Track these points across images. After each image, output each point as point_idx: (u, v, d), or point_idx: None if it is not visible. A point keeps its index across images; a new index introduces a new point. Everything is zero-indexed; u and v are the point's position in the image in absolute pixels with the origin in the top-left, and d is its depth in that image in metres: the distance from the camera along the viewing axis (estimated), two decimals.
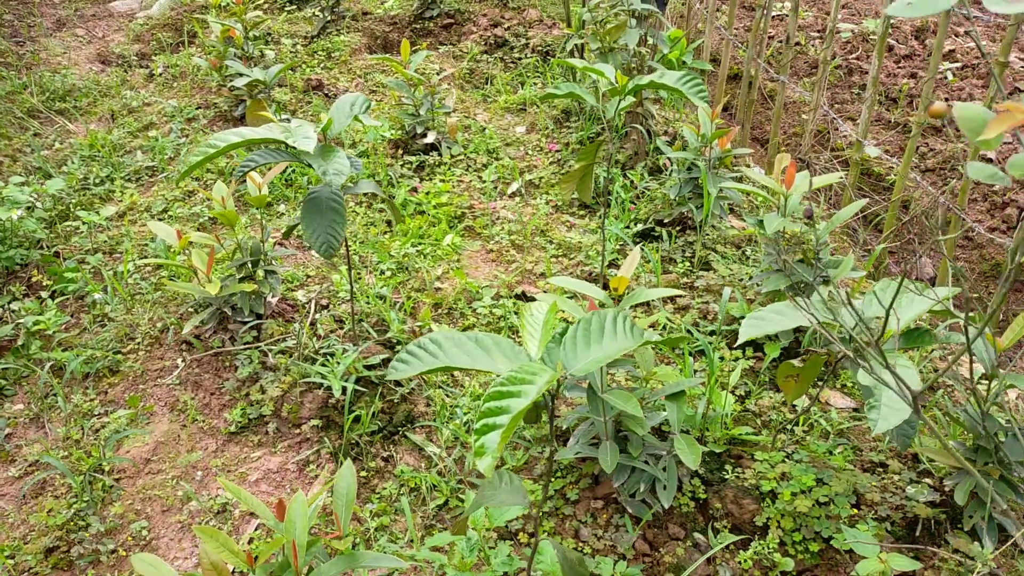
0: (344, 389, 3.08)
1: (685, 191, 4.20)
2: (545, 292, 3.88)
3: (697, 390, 3.09)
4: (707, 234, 4.30)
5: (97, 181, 4.80)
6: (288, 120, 2.66)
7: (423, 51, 5.00)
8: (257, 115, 4.73)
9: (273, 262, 3.52)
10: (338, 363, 3.16)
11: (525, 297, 3.87)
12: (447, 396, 3.27)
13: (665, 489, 2.61)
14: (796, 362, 2.61)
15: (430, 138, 4.93)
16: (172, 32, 6.86)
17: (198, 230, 4.34)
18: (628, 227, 4.36)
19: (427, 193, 4.60)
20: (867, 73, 6.28)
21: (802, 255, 3.47)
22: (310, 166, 2.63)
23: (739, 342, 2.26)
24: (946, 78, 6.52)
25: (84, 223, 4.25)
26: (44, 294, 4.04)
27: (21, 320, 3.73)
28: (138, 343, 3.63)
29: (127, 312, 3.80)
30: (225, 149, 2.53)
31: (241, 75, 4.68)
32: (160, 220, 4.47)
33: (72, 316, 3.89)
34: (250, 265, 3.43)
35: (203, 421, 3.23)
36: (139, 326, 3.70)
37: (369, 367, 3.22)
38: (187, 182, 4.70)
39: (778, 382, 2.67)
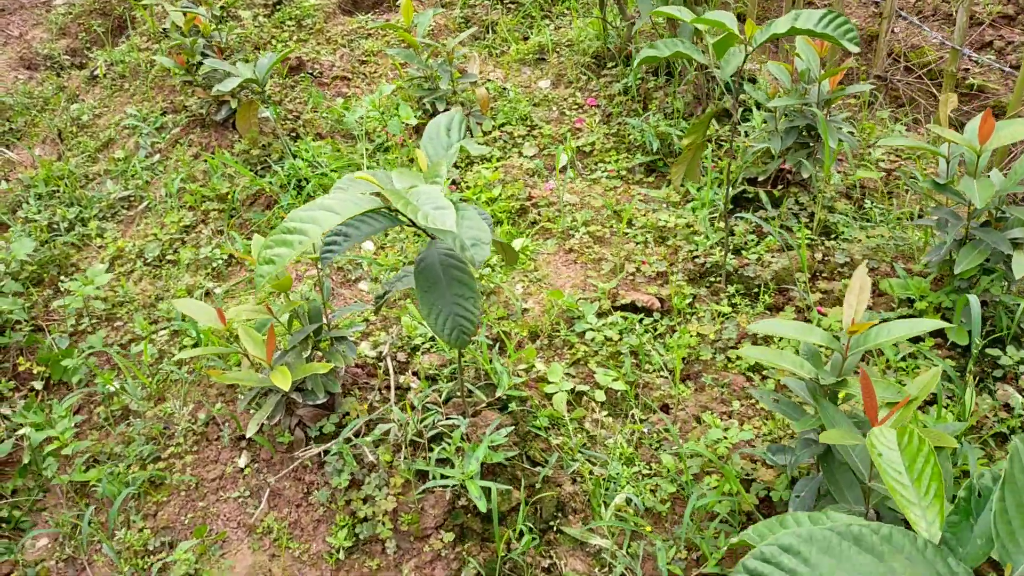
0: (485, 491, 2.40)
1: (788, 142, 3.50)
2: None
3: None
4: (820, 190, 3.63)
5: (66, 225, 3.95)
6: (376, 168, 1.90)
7: (430, 11, 4.16)
8: (251, 121, 3.88)
9: (340, 325, 2.78)
10: (457, 448, 2.48)
11: (635, 308, 3.19)
12: (593, 464, 2.61)
13: None
14: None
15: None
16: (103, 19, 5.83)
17: (212, 277, 3.54)
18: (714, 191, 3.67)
19: (471, 187, 3.84)
20: None
21: (988, 216, 2.83)
22: (425, 232, 1.89)
23: None
24: None
25: (71, 292, 3.42)
26: (38, 385, 3.27)
27: (21, 431, 2.97)
28: (180, 444, 2.89)
29: (154, 404, 3.05)
30: (318, 236, 1.78)
31: (229, 75, 3.81)
32: (158, 267, 3.66)
33: (81, 410, 3.13)
34: (312, 334, 2.69)
35: (297, 547, 2.54)
36: (176, 421, 2.96)
37: (495, 446, 2.54)
38: (176, 211, 3.87)
39: None
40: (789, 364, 2.01)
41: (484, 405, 2.74)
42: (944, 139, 2.84)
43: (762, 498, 2.39)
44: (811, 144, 3.56)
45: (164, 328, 3.34)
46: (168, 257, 3.68)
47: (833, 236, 3.43)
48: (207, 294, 3.44)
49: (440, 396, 2.78)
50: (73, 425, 2.99)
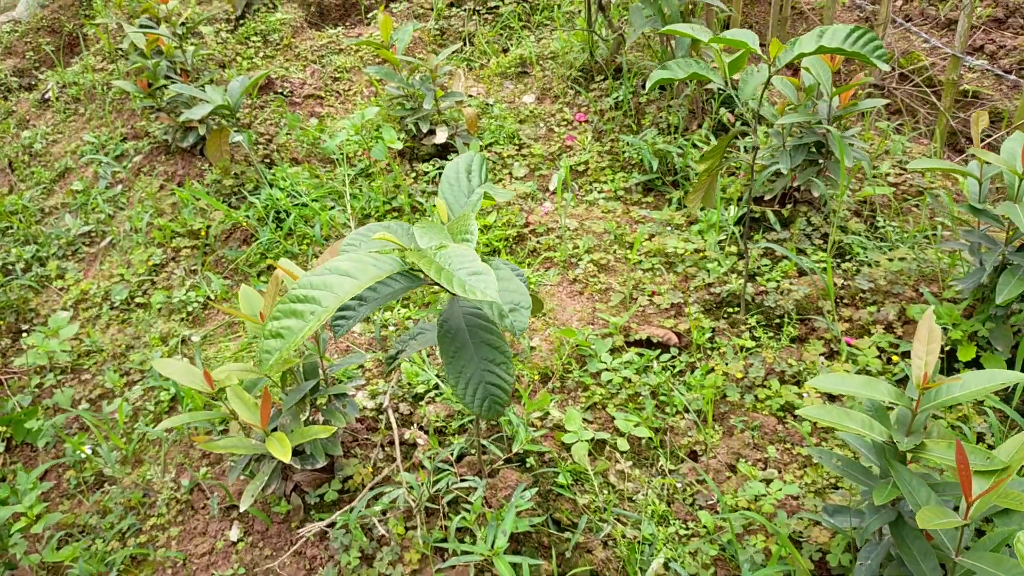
0: (514, 566, 2.17)
1: (797, 160, 3.33)
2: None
3: None
4: (832, 210, 3.46)
5: (22, 266, 3.63)
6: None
7: (409, 26, 3.92)
8: (222, 148, 3.59)
9: (338, 379, 2.53)
10: (478, 515, 2.24)
11: (651, 344, 2.98)
12: (624, 523, 2.40)
13: None
14: None
15: (441, 136, 3.90)
16: (52, 37, 5.47)
17: (188, 323, 3.26)
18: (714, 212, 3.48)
19: None
20: None
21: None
22: (457, 297, 1.66)
23: None
24: None
25: (33, 347, 3.11)
26: None
27: None
28: (162, 514, 2.62)
29: (131, 468, 2.77)
30: (334, 306, 1.54)
31: (197, 101, 3.52)
32: (127, 311, 3.36)
33: (48, 474, 2.83)
34: (309, 392, 2.44)
35: None
36: (156, 488, 2.68)
37: (519, 511, 2.32)
38: (143, 248, 3.57)
39: None
40: (858, 426, 1.82)
41: (501, 462, 2.51)
42: (979, 160, 2.68)
43: (816, 560, 2.19)
44: (820, 161, 3.40)
45: (138, 381, 3.06)
46: (137, 300, 3.39)
47: (848, 258, 3.27)
48: (183, 342, 3.16)
49: (452, 454, 2.54)
50: (40, 494, 2.70)
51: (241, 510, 2.33)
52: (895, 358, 2.78)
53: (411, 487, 2.42)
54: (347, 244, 1.81)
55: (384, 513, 2.39)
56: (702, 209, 3.56)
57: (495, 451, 2.53)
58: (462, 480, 2.44)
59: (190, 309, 3.25)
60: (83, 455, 2.79)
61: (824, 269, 3.19)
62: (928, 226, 3.44)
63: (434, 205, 3.56)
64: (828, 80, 3.20)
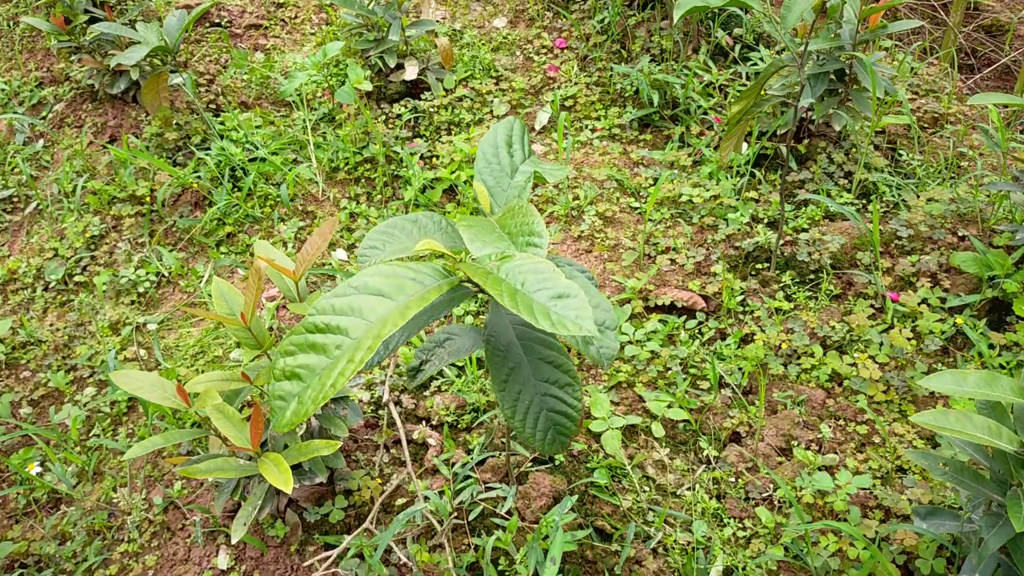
0: None
1: (818, 90, 2.98)
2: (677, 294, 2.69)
3: None
4: (856, 145, 3.15)
5: None
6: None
7: None
8: (161, 95, 3.08)
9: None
10: (516, 530, 1.94)
11: (676, 309, 2.67)
12: (671, 524, 2.12)
13: None
14: None
15: (411, 72, 3.44)
16: None
17: (140, 306, 2.82)
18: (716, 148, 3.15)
19: (449, 162, 3.19)
20: None
21: None
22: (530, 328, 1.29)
23: None
24: None
25: None
26: None
27: None
28: (133, 539, 2.25)
29: (91, 484, 2.38)
30: (367, 340, 1.17)
31: (129, 43, 2.98)
32: (65, 292, 2.90)
33: None
34: None
35: None
36: (123, 508, 2.30)
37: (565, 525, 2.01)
38: (77, 217, 3.08)
39: None
40: (982, 432, 1.54)
41: (529, 463, 2.19)
42: None
43: (900, 565, 1.95)
44: (841, 91, 3.07)
45: (88, 378, 2.64)
46: (77, 278, 2.93)
47: (872, 198, 2.98)
48: (137, 329, 2.73)
49: (471, 457, 2.22)
50: None
51: (233, 542, 1.97)
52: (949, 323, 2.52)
53: (426, 497, 2.09)
54: (367, 248, 1.42)
55: (405, 544, 2.07)
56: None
57: (521, 451, 2.21)
58: (487, 488, 2.12)
59: (141, 290, 2.81)
60: (35, 471, 2.38)
61: (860, 213, 2.90)
62: (954, 159, 3.17)
63: (412, 154, 3.14)
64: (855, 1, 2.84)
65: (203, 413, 2.27)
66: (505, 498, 2.07)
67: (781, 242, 2.78)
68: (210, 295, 2.77)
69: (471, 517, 2.07)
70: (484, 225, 1.33)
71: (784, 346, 2.46)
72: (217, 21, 4.03)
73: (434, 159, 3.25)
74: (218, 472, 1.95)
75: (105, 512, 2.31)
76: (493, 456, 2.21)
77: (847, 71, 3.00)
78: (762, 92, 2.43)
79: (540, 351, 1.47)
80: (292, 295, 2.00)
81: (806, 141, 3.20)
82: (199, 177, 3.02)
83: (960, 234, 2.78)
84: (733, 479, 2.22)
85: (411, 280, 1.27)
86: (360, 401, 2.43)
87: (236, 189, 3.07)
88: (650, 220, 2.98)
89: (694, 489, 2.20)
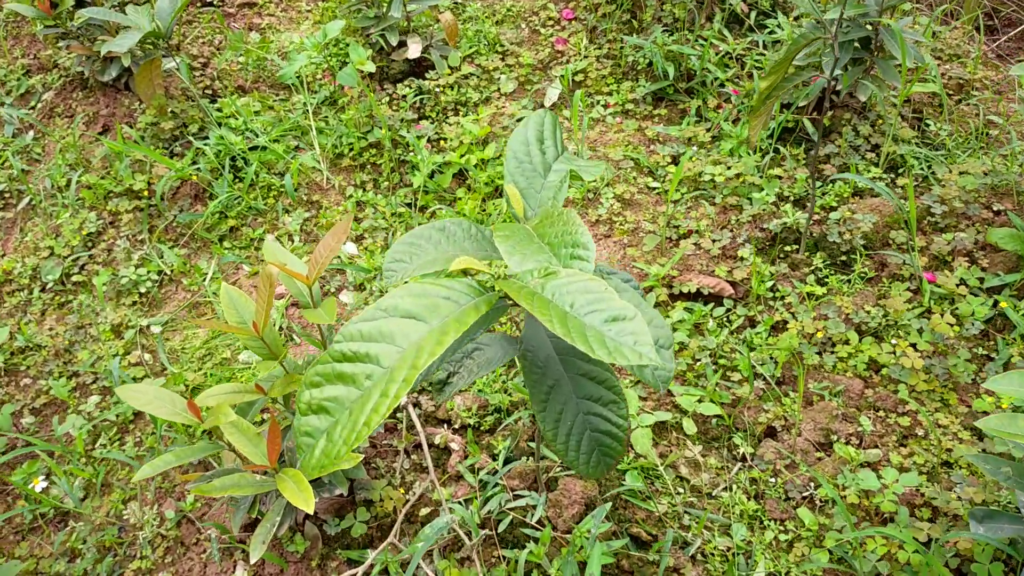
0: None
1: (843, 60, 2.84)
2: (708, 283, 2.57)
3: None
4: (877, 114, 3.02)
5: None
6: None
7: None
8: (155, 82, 2.94)
9: None
10: (549, 541, 1.84)
11: (702, 296, 2.56)
12: (710, 529, 2.03)
13: None
14: None
15: (415, 50, 3.29)
16: None
17: (143, 306, 2.70)
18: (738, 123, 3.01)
19: (457, 145, 3.05)
20: None
21: None
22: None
23: None
24: None
25: None
26: None
27: None
28: (145, 555, 2.16)
29: (100, 497, 2.28)
30: (401, 371, 1.06)
31: (120, 27, 2.84)
32: (63, 293, 2.79)
33: None
34: None
35: None
36: (134, 523, 2.21)
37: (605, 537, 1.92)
38: (72, 213, 2.95)
39: None
40: None
41: (558, 468, 2.09)
42: None
43: (953, 568, 1.86)
44: (866, 60, 2.93)
45: (91, 384, 2.53)
46: (75, 277, 2.81)
47: (901, 171, 2.85)
48: (140, 332, 2.61)
49: (496, 460, 2.11)
50: None
51: (252, 562, 1.87)
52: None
53: (451, 509, 2.00)
54: (393, 262, 1.30)
55: (434, 558, 1.97)
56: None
57: (550, 456, 2.11)
58: (515, 496, 2.02)
59: (142, 290, 2.69)
60: (40, 487, 2.28)
61: (889, 187, 2.78)
62: (984, 128, 3.04)
63: (419, 137, 3.01)
64: None
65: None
66: (535, 506, 1.97)
67: (811, 221, 2.66)
68: (215, 294, 2.65)
69: (500, 528, 1.98)
70: (521, 234, 1.22)
71: (819, 335, 2.35)
72: (209, 0, 3.86)
73: (442, 142, 3.11)
74: (234, 489, 1.85)
75: (115, 527, 2.22)
76: (517, 459, 2.11)
77: (872, 39, 2.86)
78: (791, 67, 2.30)
79: (580, 366, 1.36)
80: (305, 300, 1.88)
81: (830, 113, 3.07)
82: (198, 169, 2.89)
83: (995, 208, 2.66)
84: (771, 478, 2.12)
85: (445, 299, 1.16)
86: None
87: (237, 180, 2.94)
88: (671, 202, 2.86)
89: (731, 489, 2.10)
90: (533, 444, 2.15)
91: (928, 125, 3.06)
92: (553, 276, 1.11)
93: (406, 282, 1.23)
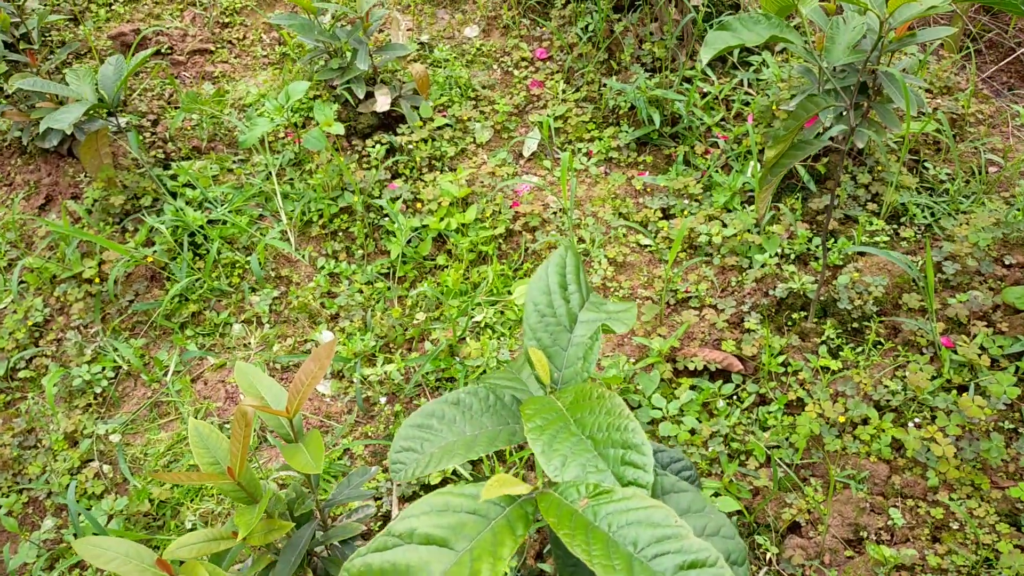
0: None
1: (841, 109, 2.70)
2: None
3: None
4: (875, 160, 2.88)
5: None
6: None
7: None
8: (101, 151, 2.68)
9: (340, 513, 1.86)
10: None
11: (710, 374, 2.39)
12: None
13: None
14: None
15: (383, 102, 3.08)
16: None
17: (99, 409, 2.45)
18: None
19: (436, 208, 2.85)
20: None
21: None
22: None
23: None
24: None
25: None
26: None
27: None
28: None
29: None
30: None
31: (60, 100, 2.58)
32: (6, 388, 2.53)
33: None
34: (306, 543, 1.75)
35: None
36: None
37: None
38: (13, 299, 2.69)
39: None
40: None
41: None
42: None
43: None
44: (862, 104, 2.78)
45: (46, 497, 2.28)
46: (22, 373, 2.55)
47: (903, 221, 2.72)
48: (98, 438, 2.37)
49: None
50: None
51: None
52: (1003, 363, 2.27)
53: None
54: (400, 451, 1.10)
55: None
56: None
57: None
58: None
59: (97, 390, 2.44)
60: None
61: (893, 240, 2.64)
62: (985, 167, 2.91)
63: (393, 200, 2.80)
64: (881, 4, 2.55)
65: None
66: None
67: (811, 283, 2.51)
68: (179, 392, 2.42)
69: None
70: (557, 423, 1.02)
71: (841, 419, 2.19)
72: (157, 48, 3.60)
73: (418, 203, 2.90)
74: None
75: None
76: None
77: (869, 83, 2.72)
78: (799, 136, 2.14)
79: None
80: (285, 432, 1.67)
81: (824, 159, 2.92)
82: (155, 251, 2.64)
83: (1007, 262, 2.53)
84: None
85: (472, 517, 0.97)
86: (365, 515, 2.11)
87: (197, 258, 2.71)
88: (665, 261, 2.69)
89: None
90: (544, 569, 1.96)
91: (927, 168, 2.93)
92: (607, 497, 0.92)
93: (419, 481, 1.03)
